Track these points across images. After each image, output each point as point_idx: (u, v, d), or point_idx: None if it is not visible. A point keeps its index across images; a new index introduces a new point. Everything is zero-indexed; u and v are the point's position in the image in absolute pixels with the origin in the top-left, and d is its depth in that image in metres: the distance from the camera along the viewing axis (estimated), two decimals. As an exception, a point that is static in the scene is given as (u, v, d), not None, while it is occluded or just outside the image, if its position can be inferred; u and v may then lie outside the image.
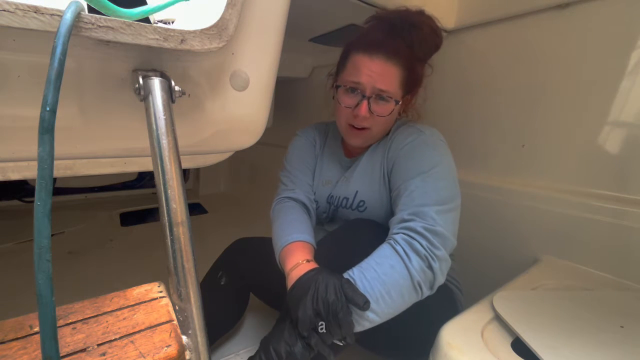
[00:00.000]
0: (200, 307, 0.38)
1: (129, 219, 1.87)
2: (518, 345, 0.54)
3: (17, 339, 0.31)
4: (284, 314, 0.61)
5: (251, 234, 0.97)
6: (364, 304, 0.51)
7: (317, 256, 0.65)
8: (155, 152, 0.38)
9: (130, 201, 2.14)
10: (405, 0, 0.76)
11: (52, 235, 0.27)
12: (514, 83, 0.99)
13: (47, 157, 0.28)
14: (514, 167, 1.00)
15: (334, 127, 0.88)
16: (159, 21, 0.53)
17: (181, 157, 0.41)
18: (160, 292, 0.40)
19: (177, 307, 0.37)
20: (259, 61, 0.54)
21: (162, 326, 0.34)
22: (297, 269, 0.60)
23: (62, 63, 0.29)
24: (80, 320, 0.34)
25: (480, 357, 0.50)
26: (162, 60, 0.45)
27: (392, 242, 0.59)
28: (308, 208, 0.79)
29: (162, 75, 0.42)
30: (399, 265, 0.56)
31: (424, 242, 0.56)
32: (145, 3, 0.52)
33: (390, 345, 0.70)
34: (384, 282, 0.54)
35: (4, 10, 0.31)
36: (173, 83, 0.42)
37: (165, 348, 0.32)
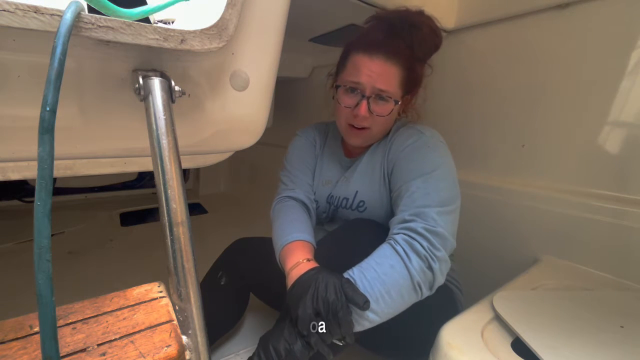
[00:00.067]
0: (200, 307, 0.38)
1: (129, 219, 1.87)
2: (518, 345, 0.54)
3: (17, 339, 0.31)
4: (284, 313, 0.61)
5: (251, 234, 0.97)
6: (364, 304, 0.51)
7: (317, 256, 0.65)
8: (155, 152, 0.38)
9: (130, 201, 2.14)
10: (405, 1, 0.76)
11: (52, 235, 0.27)
12: (514, 83, 0.99)
13: (47, 157, 0.28)
14: (514, 167, 1.00)
15: (334, 127, 0.88)
16: (159, 21, 0.53)
17: (181, 157, 0.41)
18: (160, 292, 0.40)
19: (177, 307, 0.37)
20: (259, 61, 0.54)
21: (162, 326, 0.34)
22: (297, 268, 0.60)
23: (62, 63, 0.29)
24: (80, 320, 0.34)
25: (480, 357, 0.50)
26: (162, 60, 0.45)
27: (392, 242, 0.59)
28: (308, 208, 0.79)
29: (162, 75, 0.42)
30: (399, 265, 0.56)
31: (424, 243, 0.56)
32: (145, 3, 0.52)
33: (390, 345, 0.70)
34: (384, 282, 0.54)
35: (4, 10, 0.31)
36: (173, 83, 0.42)
37: (165, 348, 0.32)
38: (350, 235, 0.68)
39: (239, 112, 0.55)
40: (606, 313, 0.62)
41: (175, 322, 0.35)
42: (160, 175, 0.38)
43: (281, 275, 0.65)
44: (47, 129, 0.28)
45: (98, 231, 1.69)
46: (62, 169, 0.49)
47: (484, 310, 0.63)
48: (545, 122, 0.93)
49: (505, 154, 1.02)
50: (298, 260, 0.62)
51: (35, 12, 0.32)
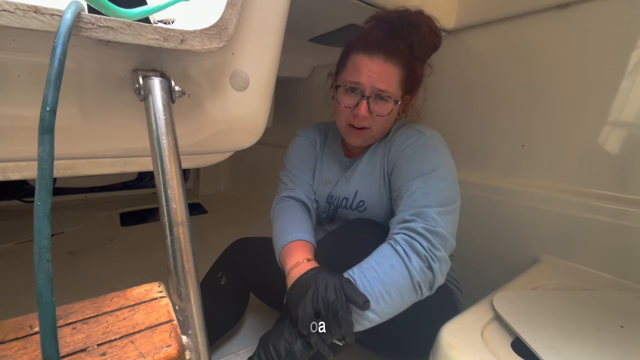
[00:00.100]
0: (200, 307, 0.38)
1: (129, 219, 1.87)
2: (518, 345, 0.54)
3: (17, 339, 0.31)
4: (284, 313, 0.62)
5: (251, 234, 0.97)
6: (364, 304, 0.51)
7: (317, 256, 0.65)
8: (155, 152, 0.38)
9: (130, 201, 2.14)
10: (405, 1, 0.76)
11: (52, 235, 0.27)
12: (514, 83, 0.99)
13: (47, 157, 0.28)
14: (514, 167, 1.00)
15: (334, 127, 0.88)
16: (159, 21, 0.53)
17: (181, 157, 0.41)
18: (160, 292, 0.40)
19: (177, 307, 0.37)
20: (259, 61, 0.54)
21: (162, 326, 0.34)
22: (297, 268, 0.60)
23: (62, 63, 0.29)
24: (80, 320, 0.34)
25: (480, 357, 0.50)
26: (162, 60, 0.45)
27: (392, 242, 0.59)
28: (308, 207, 0.79)
29: (162, 75, 0.42)
30: (399, 265, 0.56)
31: (424, 243, 0.56)
32: (145, 3, 0.52)
33: (390, 345, 0.70)
34: (384, 281, 0.54)
35: (4, 10, 0.31)
36: (173, 83, 0.42)
37: (165, 348, 0.32)
38: (350, 235, 0.68)
39: (239, 112, 0.55)
40: (606, 313, 0.62)
41: (175, 322, 0.35)
42: (160, 175, 0.38)
43: (281, 275, 0.65)
44: (47, 129, 0.28)
45: (98, 231, 1.69)
46: (62, 169, 0.49)
47: (484, 310, 0.63)
48: (545, 122, 0.93)
49: (505, 154, 1.02)
50: (298, 260, 0.62)
51: (35, 12, 0.32)
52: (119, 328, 0.33)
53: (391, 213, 0.70)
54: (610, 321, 0.59)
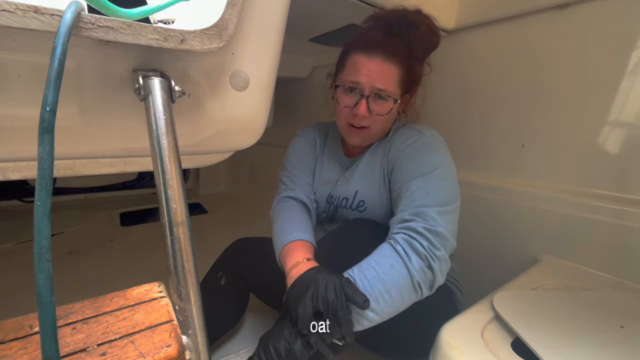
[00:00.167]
0: (200, 307, 0.38)
1: (129, 219, 1.87)
2: (518, 345, 0.54)
3: (17, 339, 0.31)
4: (284, 312, 0.62)
5: (251, 234, 0.97)
6: (364, 303, 0.51)
7: (317, 255, 0.65)
8: (155, 152, 0.38)
9: (130, 201, 2.14)
10: (406, 0, 0.76)
11: (52, 235, 0.27)
12: (514, 83, 0.99)
13: (47, 157, 0.28)
14: (514, 167, 1.00)
15: (334, 127, 0.88)
16: (159, 21, 0.53)
17: (181, 157, 0.41)
18: (160, 292, 0.40)
19: (177, 307, 0.37)
20: (259, 61, 0.54)
21: (162, 326, 0.34)
22: (297, 268, 0.60)
23: (62, 63, 0.29)
24: (80, 320, 0.34)
25: (480, 357, 0.50)
26: (162, 60, 0.45)
27: (392, 241, 0.59)
28: (308, 207, 0.79)
29: (162, 75, 0.42)
30: (398, 264, 0.56)
31: (424, 242, 0.56)
32: (145, 3, 0.52)
33: (390, 345, 0.70)
34: (384, 281, 0.54)
35: (4, 10, 0.31)
36: (173, 83, 0.42)
37: (165, 348, 0.32)
38: (350, 235, 0.68)
39: (239, 112, 0.55)
40: (606, 313, 0.62)
41: (175, 322, 0.35)
42: (160, 175, 0.38)
43: (281, 275, 0.65)
44: (47, 129, 0.28)
45: (98, 231, 1.69)
46: (62, 169, 0.49)
47: (484, 310, 0.63)
48: (545, 122, 0.93)
49: (505, 154, 1.02)
50: (298, 260, 0.62)
51: (35, 12, 0.32)
52: (119, 328, 0.33)
53: (391, 213, 0.70)
54: (610, 321, 0.59)
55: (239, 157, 1.15)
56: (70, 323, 0.33)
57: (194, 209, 2.12)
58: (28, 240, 1.46)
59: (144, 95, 0.40)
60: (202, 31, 0.42)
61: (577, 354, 0.50)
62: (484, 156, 1.08)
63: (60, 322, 0.33)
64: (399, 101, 0.71)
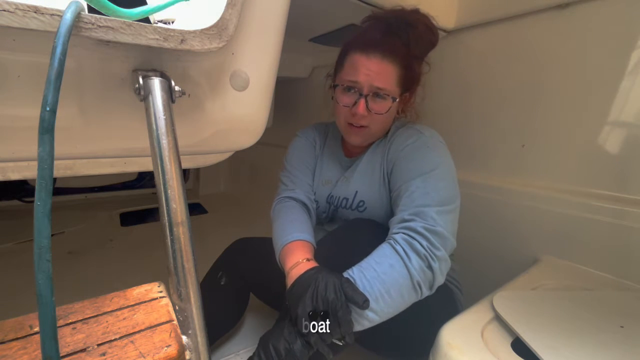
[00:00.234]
0: (200, 307, 0.38)
1: (129, 219, 1.87)
2: (518, 345, 0.54)
3: (17, 339, 0.31)
4: (283, 312, 0.62)
5: (251, 234, 0.97)
6: (364, 303, 0.51)
7: (317, 255, 0.65)
8: (155, 152, 0.39)
9: (130, 201, 2.14)
10: (405, 0, 0.76)
11: (52, 235, 0.27)
12: (514, 83, 0.99)
13: (47, 157, 0.28)
14: (514, 167, 1.00)
15: (333, 127, 0.88)
16: (159, 21, 0.53)
17: (181, 157, 0.41)
18: (160, 292, 0.40)
19: (177, 307, 0.37)
20: (259, 61, 0.54)
21: (162, 326, 0.34)
22: (297, 268, 0.60)
23: (62, 63, 0.29)
24: (80, 320, 0.34)
25: (480, 357, 0.50)
26: (162, 60, 0.45)
27: (392, 241, 0.59)
28: (308, 208, 0.79)
29: (162, 75, 0.42)
30: (398, 264, 0.56)
31: (424, 242, 0.56)
32: (145, 3, 0.52)
33: (390, 345, 0.70)
34: (384, 281, 0.54)
35: (4, 10, 0.31)
36: (173, 83, 0.42)
37: (165, 348, 0.32)
38: (350, 235, 0.68)
39: (239, 112, 0.55)
40: (606, 313, 0.62)
41: (175, 322, 0.35)
42: (160, 175, 0.38)
43: (281, 275, 0.65)
44: (47, 129, 0.28)
45: (98, 231, 1.69)
46: (62, 169, 0.49)
47: (484, 310, 0.63)
48: (545, 122, 0.93)
49: (505, 154, 1.02)
50: (298, 260, 0.62)
51: (35, 12, 0.32)
52: (119, 328, 0.33)
53: (391, 213, 0.70)
54: (610, 321, 0.59)
55: (239, 157, 1.15)
56: (70, 323, 0.33)
57: (194, 209, 2.12)
58: (28, 240, 1.46)
59: (144, 95, 0.40)
60: (202, 31, 0.42)
61: (577, 354, 0.50)
62: (484, 156, 1.08)
63: (60, 322, 0.33)
64: (397, 100, 0.71)
